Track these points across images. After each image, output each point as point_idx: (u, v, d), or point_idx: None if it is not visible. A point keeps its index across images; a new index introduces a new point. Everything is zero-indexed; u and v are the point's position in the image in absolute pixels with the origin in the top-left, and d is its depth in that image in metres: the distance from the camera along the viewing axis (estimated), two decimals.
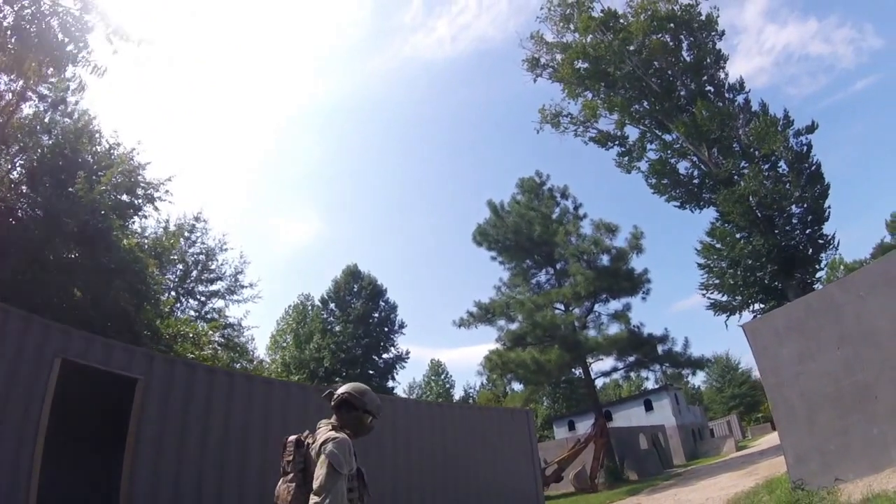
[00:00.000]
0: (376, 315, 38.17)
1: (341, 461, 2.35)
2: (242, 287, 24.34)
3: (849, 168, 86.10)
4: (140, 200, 14.50)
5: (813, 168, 19.97)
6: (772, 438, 32.72)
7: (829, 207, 20.02)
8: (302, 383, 21.16)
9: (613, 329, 21.77)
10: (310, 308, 39.19)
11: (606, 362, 23.19)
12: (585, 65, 25.22)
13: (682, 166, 24.23)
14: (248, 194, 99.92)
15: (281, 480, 2.55)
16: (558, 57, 26.47)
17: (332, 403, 2.72)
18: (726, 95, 22.76)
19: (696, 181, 23.82)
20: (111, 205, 12.39)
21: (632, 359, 22.02)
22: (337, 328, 36.15)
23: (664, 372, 26.16)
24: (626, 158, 26.15)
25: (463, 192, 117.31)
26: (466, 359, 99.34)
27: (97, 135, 13.99)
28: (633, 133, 25.94)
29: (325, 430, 2.56)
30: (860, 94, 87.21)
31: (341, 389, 2.74)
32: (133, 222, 15.30)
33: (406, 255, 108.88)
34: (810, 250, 20.25)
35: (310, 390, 9.19)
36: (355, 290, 38.42)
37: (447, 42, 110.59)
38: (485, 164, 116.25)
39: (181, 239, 20.93)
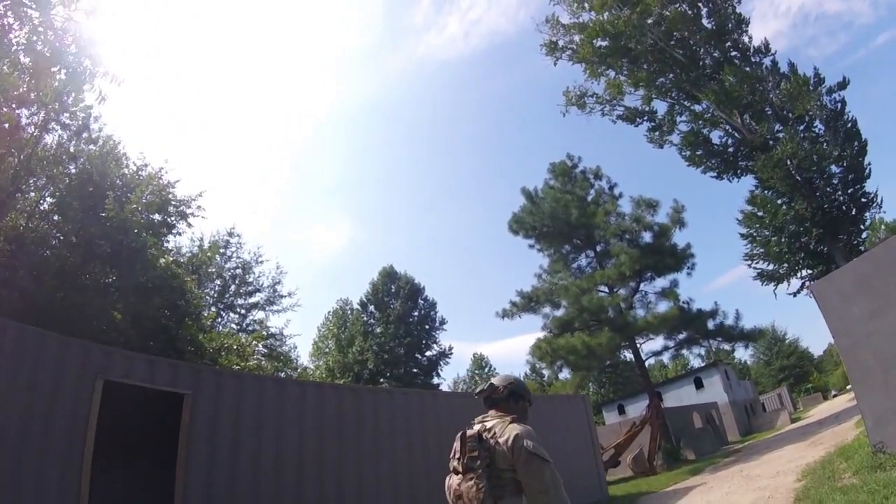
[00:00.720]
0: (416, 314, 38.48)
1: (545, 451, 2.32)
2: (281, 297, 24.65)
3: (880, 124, 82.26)
4: (172, 218, 14.52)
5: (849, 125, 19.20)
6: (825, 408, 31.85)
7: (869, 165, 19.25)
8: (352, 385, 21.43)
9: (662, 307, 21.50)
10: (349, 312, 39.79)
11: (656, 342, 22.79)
12: (605, 42, 24.70)
13: (716, 136, 23.71)
14: (279, 204, 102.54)
15: (459, 478, 2.36)
16: (576, 38, 26.01)
17: (497, 396, 2.62)
18: (752, 59, 21.98)
19: (730, 149, 23.25)
20: (144, 224, 12.45)
21: (682, 336, 21.70)
22: (378, 330, 36.60)
23: (717, 348, 25.55)
24: (657, 133, 25.49)
25: (493, 184, 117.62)
26: (509, 351, 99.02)
27: (124, 158, 14.00)
28: (661, 107, 25.37)
29: (502, 424, 2.43)
30: (882, 49, 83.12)
31: (502, 382, 2.67)
32: (167, 240, 15.32)
33: (441, 253, 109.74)
34: (854, 210, 19.53)
35: (363, 391, 9.24)
36: (393, 290, 38.73)
37: (460, 39, 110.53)
38: (512, 154, 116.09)
39: (217, 255, 21.22)
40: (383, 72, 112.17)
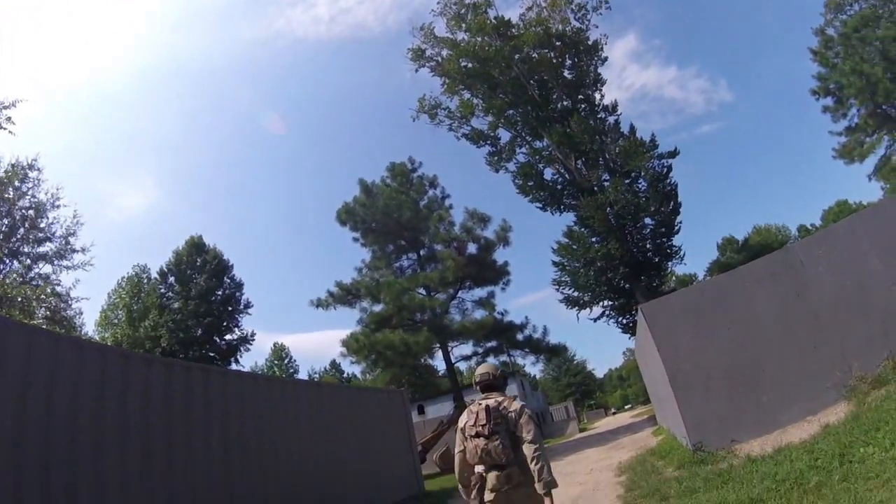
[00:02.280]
0: (220, 293, 34.93)
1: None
2: (74, 251, 20.89)
3: (686, 197, 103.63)
4: None
5: (669, 188, 22.88)
6: (609, 421, 37.16)
7: (680, 223, 23.15)
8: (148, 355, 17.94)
9: (477, 315, 22.60)
10: (146, 281, 34.42)
11: (466, 347, 23.94)
12: (471, 64, 25.74)
13: (549, 172, 26.11)
14: (86, 150, 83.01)
15: (484, 440, 3.12)
16: (444, 53, 26.68)
17: (493, 380, 3.46)
18: (598, 115, 25.00)
19: (559, 187, 25.74)
20: None
21: (491, 344, 22.99)
22: (176, 305, 32.45)
23: (514, 360, 27.72)
24: (497, 158, 27.29)
25: (323, 173, 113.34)
26: (310, 345, 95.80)
27: None
28: (504, 135, 27.20)
29: (507, 400, 3.30)
30: (704, 137, 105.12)
31: (494, 370, 3.56)
32: None
33: (254, 234, 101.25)
34: (658, 258, 23.21)
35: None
36: (198, 264, 34.67)
37: (324, 22, 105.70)
38: (350, 149, 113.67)
39: (10, 189, 17.81)
40: (235, 36, 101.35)
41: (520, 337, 22.34)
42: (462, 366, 27.25)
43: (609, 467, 9.39)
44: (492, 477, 3.11)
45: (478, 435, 3.15)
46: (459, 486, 3.42)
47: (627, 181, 22.92)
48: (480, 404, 3.28)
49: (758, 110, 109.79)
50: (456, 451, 3.42)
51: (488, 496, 3.11)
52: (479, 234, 23.65)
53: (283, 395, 8.68)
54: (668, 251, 23.30)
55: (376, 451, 10.64)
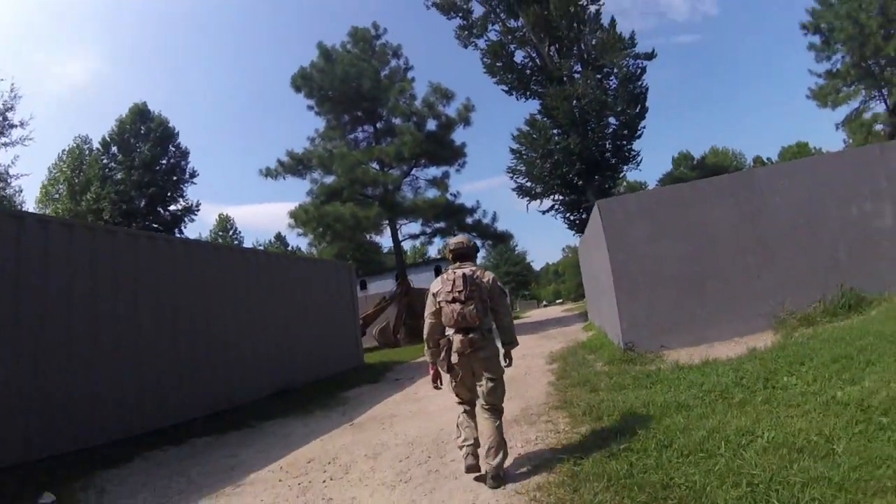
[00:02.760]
0: (164, 161, 33.67)
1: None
2: (12, 126, 20.11)
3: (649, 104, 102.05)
4: None
5: (639, 91, 22.19)
6: (540, 313, 39.60)
7: (643, 128, 22.87)
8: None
9: (430, 194, 22.25)
10: (87, 153, 32.35)
11: (414, 227, 23.96)
12: None
13: (519, 55, 24.78)
14: (10, 21, 68.55)
15: (460, 305, 3.45)
16: None
17: (466, 250, 3.80)
18: (580, 1, 23.13)
19: (528, 72, 24.60)
20: None
21: (440, 225, 23.03)
22: (119, 176, 30.90)
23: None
24: (467, 33, 25.50)
25: (280, 37, 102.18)
26: (256, 217, 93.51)
27: None
28: (478, 9, 25.17)
29: (480, 270, 3.68)
30: (680, 46, 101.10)
31: (468, 240, 3.90)
32: None
33: (204, 101, 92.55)
34: (616, 160, 23.19)
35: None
36: (142, 132, 32.97)
37: None
38: (309, 10, 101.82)
39: None
40: None
41: (469, 220, 22.33)
42: (407, 245, 27.54)
43: (541, 355, 9.97)
44: (457, 340, 3.47)
45: (454, 300, 3.47)
46: (426, 348, 3.76)
47: (599, 76, 22.05)
48: (455, 272, 3.59)
49: (741, 31, 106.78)
50: (426, 314, 3.68)
51: (454, 358, 3.52)
52: (441, 111, 22.41)
53: (232, 262, 8.44)
54: (627, 154, 23.32)
55: (322, 323, 10.76)
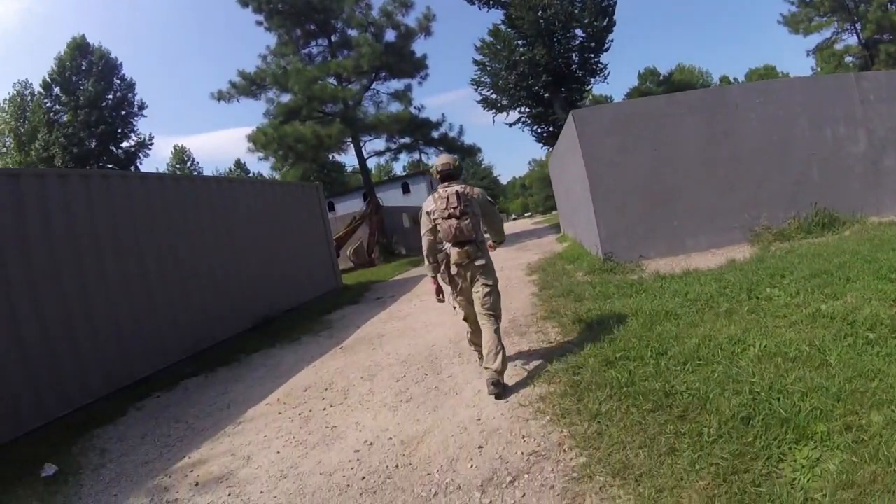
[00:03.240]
0: (110, 96, 31.64)
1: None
2: None
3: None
4: None
5: (607, 3, 21.06)
6: (509, 226, 39.83)
7: (611, 41, 21.90)
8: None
9: (392, 108, 21.30)
10: (30, 99, 30.11)
11: (378, 143, 23.18)
12: None
13: None
14: None
15: (456, 220, 3.70)
16: None
17: (452, 170, 3.95)
18: None
19: None
20: None
21: (405, 140, 22.32)
22: (65, 118, 28.94)
23: (430, 156, 27.65)
24: None
25: None
26: (213, 145, 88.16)
27: None
28: None
29: (469, 187, 3.86)
30: None
31: (453, 160, 4.03)
32: None
33: (146, 26, 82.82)
34: (582, 73, 22.43)
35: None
36: (84, 67, 30.73)
37: None
38: None
39: None
40: None
41: (435, 134, 21.65)
42: (372, 163, 26.76)
43: (519, 266, 10.07)
44: (454, 252, 3.75)
45: (450, 216, 3.71)
46: (426, 261, 3.98)
47: None
48: (448, 190, 3.79)
49: None
50: (423, 231, 3.90)
51: (453, 269, 3.82)
52: (400, 21, 20.89)
53: (196, 193, 7.90)
54: (594, 67, 22.59)
55: (296, 247, 10.51)
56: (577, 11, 20.50)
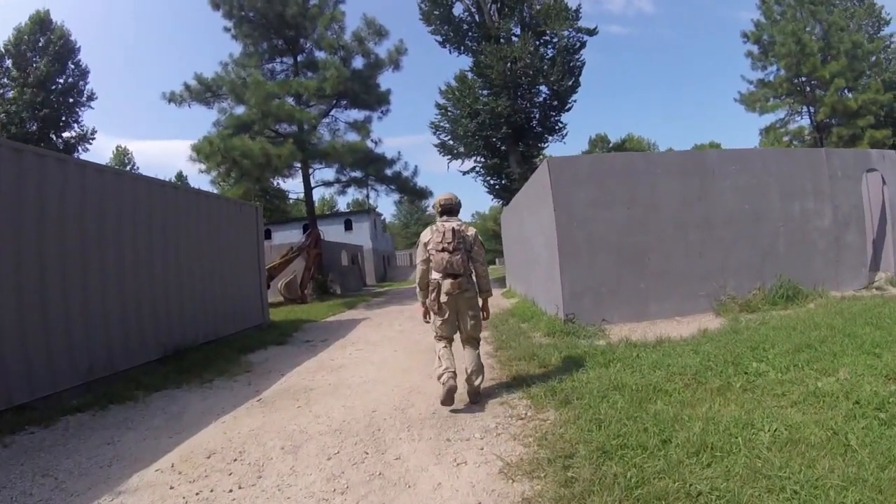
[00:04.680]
0: (61, 80, 29.96)
1: None
2: None
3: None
4: None
5: (575, 64, 21.84)
6: None
7: (574, 101, 22.57)
8: None
9: (349, 138, 20.54)
10: None
11: (328, 173, 22.22)
12: None
13: (459, 8, 23.57)
14: None
15: (447, 255, 4.13)
16: None
17: (453, 206, 4.42)
18: None
19: (465, 27, 23.55)
20: None
21: (356, 174, 21.54)
22: (10, 94, 26.99)
23: (381, 194, 27.05)
24: None
25: None
26: (158, 153, 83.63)
27: None
28: None
29: (464, 225, 4.33)
30: (610, 35, 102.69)
31: (455, 198, 4.47)
32: None
33: (112, 18, 79.24)
34: (541, 129, 22.91)
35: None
36: (41, 44, 29.15)
37: None
38: None
39: None
40: None
41: (388, 172, 20.90)
42: (318, 194, 25.71)
43: None
44: (447, 283, 4.14)
45: (444, 250, 4.12)
46: (417, 290, 4.43)
47: (537, 43, 21.38)
48: (445, 225, 4.22)
49: (672, 33, 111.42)
50: (418, 261, 4.34)
51: (443, 297, 4.18)
52: (371, 49, 20.48)
53: (109, 189, 6.58)
54: (554, 125, 23.14)
55: (224, 272, 9.31)
56: (545, 68, 21.06)
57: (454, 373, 4.08)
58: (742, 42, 28.34)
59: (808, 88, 26.42)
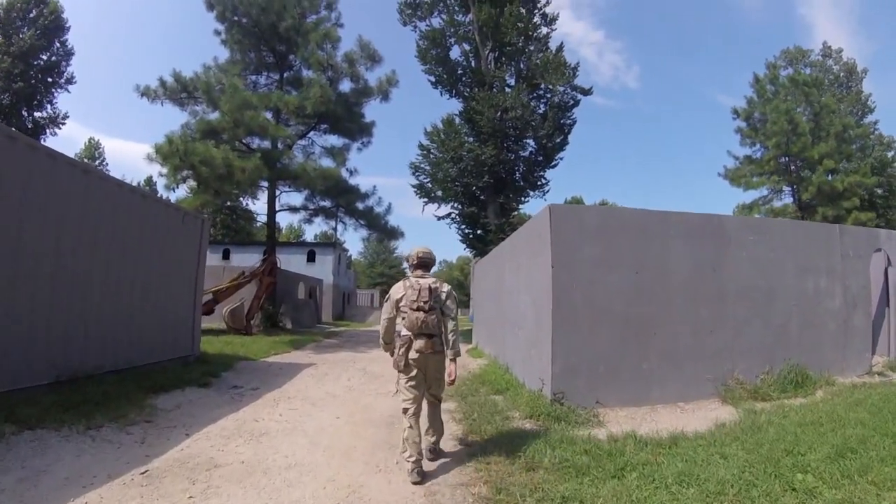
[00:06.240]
0: (45, 57, 29.28)
1: None
2: None
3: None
4: None
5: (566, 121, 21.74)
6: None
7: (560, 159, 22.33)
8: None
9: (324, 163, 19.36)
10: None
11: (295, 198, 20.87)
12: None
13: (456, 51, 23.57)
14: None
15: (424, 314, 3.94)
16: None
17: (429, 261, 4.30)
18: (535, 19, 22.45)
19: (459, 71, 23.44)
20: None
21: (325, 203, 20.28)
22: None
23: (349, 227, 25.65)
24: (411, 11, 23.68)
25: None
26: (133, 155, 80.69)
27: None
28: None
29: (439, 282, 4.16)
30: (592, 105, 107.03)
31: (432, 254, 4.34)
32: None
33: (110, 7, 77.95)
34: (524, 183, 22.46)
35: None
36: (32, 16, 28.50)
37: None
38: None
39: None
40: None
41: (360, 205, 19.64)
42: (284, 220, 24.26)
43: None
44: (420, 342, 3.96)
45: (419, 309, 3.96)
46: (382, 344, 4.32)
47: (531, 95, 21.23)
48: (421, 283, 4.06)
49: (653, 109, 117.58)
50: (384, 317, 4.21)
51: (413, 355, 3.97)
52: (361, 74, 19.65)
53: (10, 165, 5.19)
54: (537, 181, 22.76)
55: (151, 289, 7.85)
56: (536, 121, 20.76)
57: (420, 460, 3.80)
58: (732, 118, 28.97)
59: (793, 168, 26.87)
